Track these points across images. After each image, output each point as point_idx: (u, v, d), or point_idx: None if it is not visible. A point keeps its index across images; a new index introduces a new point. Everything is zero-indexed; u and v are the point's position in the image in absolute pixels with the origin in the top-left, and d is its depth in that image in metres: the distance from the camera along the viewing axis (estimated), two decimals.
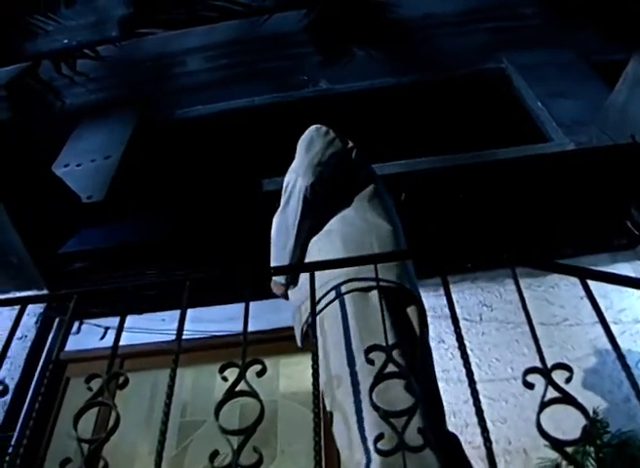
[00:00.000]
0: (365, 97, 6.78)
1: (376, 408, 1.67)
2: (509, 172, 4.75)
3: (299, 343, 2.62)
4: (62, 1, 8.25)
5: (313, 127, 3.03)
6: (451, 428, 3.53)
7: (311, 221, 2.69)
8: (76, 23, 8.37)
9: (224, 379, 1.99)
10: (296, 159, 2.85)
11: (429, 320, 4.09)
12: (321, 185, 2.67)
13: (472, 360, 1.98)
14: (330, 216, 2.70)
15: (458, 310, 2.05)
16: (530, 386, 1.56)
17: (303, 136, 2.98)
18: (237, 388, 1.86)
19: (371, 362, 1.77)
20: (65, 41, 8.27)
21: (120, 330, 2.26)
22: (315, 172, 2.69)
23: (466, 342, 1.91)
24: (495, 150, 5.17)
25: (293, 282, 2.73)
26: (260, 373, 1.90)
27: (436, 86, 6.61)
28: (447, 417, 3.56)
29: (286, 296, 2.84)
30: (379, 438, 1.63)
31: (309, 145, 2.88)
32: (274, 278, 2.83)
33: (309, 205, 2.64)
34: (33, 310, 4.80)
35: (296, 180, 2.70)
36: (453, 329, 1.89)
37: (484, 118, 5.97)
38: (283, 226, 2.73)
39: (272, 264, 2.80)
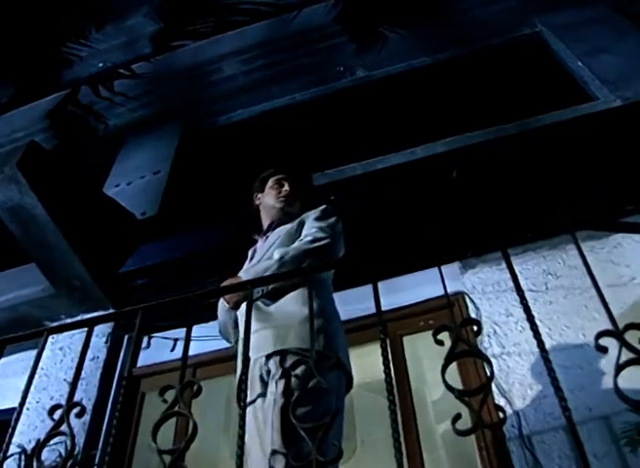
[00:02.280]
0: (403, 79, 6.72)
1: None
2: (558, 135, 4.65)
3: None
4: (92, 26, 8.36)
5: None
6: (527, 401, 3.50)
7: None
8: (108, 45, 8.48)
9: (296, 377, 1.98)
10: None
11: (495, 294, 4.07)
12: None
13: (542, 330, 1.92)
14: None
15: (522, 282, 2.01)
16: (603, 350, 1.51)
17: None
18: (310, 384, 1.84)
19: None
20: (100, 64, 8.37)
21: (188, 339, 2.26)
22: None
23: (534, 313, 1.85)
24: (540, 116, 5.06)
25: None
26: (332, 368, 1.89)
27: (473, 59, 6.50)
28: (524, 390, 3.53)
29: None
30: None
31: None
32: None
33: None
34: (102, 331, 4.86)
35: None
36: (519, 301, 1.85)
37: (526, 85, 5.85)
38: None
39: None
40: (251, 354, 2.58)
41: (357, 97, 6.79)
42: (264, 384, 2.72)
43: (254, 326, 2.49)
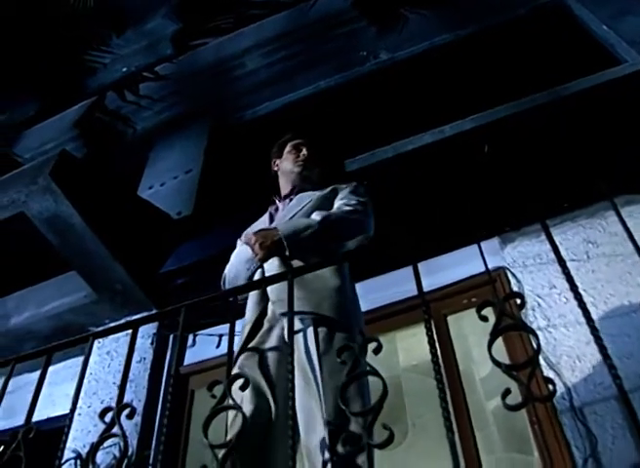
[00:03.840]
0: (427, 58, 6.66)
1: None
2: (588, 101, 4.58)
3: None
4: (113, 32, 8.42)
5: None
6: (577, 373, 3.46)
7: None
8: (130, 50, 8.53)
9: (344, 363, 1.98)
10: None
11: (537, 267, 4.04)
12: None
13: (587, 299, 1.90)
14: None
15: (563, 252, 1.98)
16: None
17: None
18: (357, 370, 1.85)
19: None
20: (124, 69, 8.43)
21: (232, 334, 2.28)
22: None
23: (577, 283, 1.83)
24: (568, 84, 4.99)
25: None
26: (377, 351, 1.88)
27: (495, 32, 6.42)
28: (572, 362, 3.50)
29: None
30: None
31: None
32: None
33: None
34: (147, 332, 4.91)
35: None
36: (561, 272, 1.83)
37: (551, 54, 5.76)
38: None
39: None
40: (279, 308, 2.65)
41: (382, 79, 6.75)
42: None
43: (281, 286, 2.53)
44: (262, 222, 3.40)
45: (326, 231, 2.96)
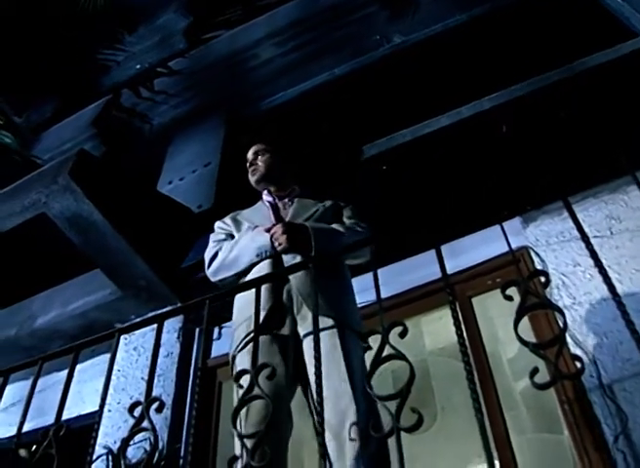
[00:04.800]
0: (440, 40, 6.62)
1: None
2: (604, 75, 4.54)
3: None
4: (124, 30, 8.44)
5: None
6: (604, 350, 3.43)
7: None
8: (143, 47, 8.54)
9: (370, 348, 1.98)
10: None
11: (560, 245, 4.00)
12: None
13: (611, 275, 1.87)
14: None
15: (586, 229, 1.96)
16: None
17: None
18: (383, 354, 1.84)
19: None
20: (138, 66, 8.45)
21: (257, 325, 2.28)
22: None
23: (602, 259, 1.82)
24: (583, 59, 4.94)
25: None
26: (403, 334, 1.88)
27: (509, 9, 6.35)
28: (599, 339, 3.47)
29: None
30: None
31: None
32: None
33: None
34: (173, 326, 4.93)
35: None
36: (584, 249, 1.82)
37: (565, 30, 5.70)
38: None
39: None
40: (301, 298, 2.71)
41: (397, 63, 6.72)
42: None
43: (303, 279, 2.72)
44: (264, 215, 3.49)
45: (348, 241, 3.05)
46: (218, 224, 3.63)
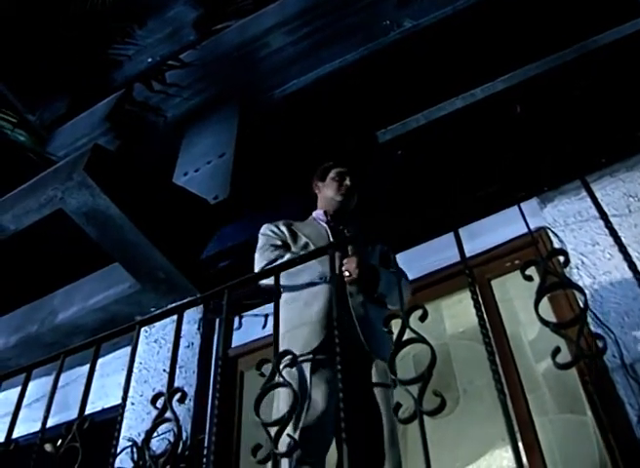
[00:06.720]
0: (450, 22, 6.56)
1: None
2: (619, 52, 4.51)
3: None
4: (134, 24, 8.43)
5: None
6: (625, 329, 3.41)
7: None
8: (154, 40, 8.53)
9: (390, 332, 1.98)
10: None
11: (578, 225, 3.98)
12: None
13: (632, 253, 1.86)
14: None
15: (604, 207, 1.95)
16: None
17: None
18: (404, 337, 1.84)
19: None
20: (149, 59, 8.44)
21: (277, 313, 2.28)
22: None
23: (621, 238, 1.80)
24: (597, 37, 4.89)
25: None
26: (423, 318, 1.88)
27: None
28: (620, 318, 3.45)
29: None
30: None
31: None
32: None
33: None
34: (193, 317, 4.95)
35: None
36: (603, 228, 1.81)
37: (578, 9, 5.65)
38: None
39: None
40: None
41: (408, 48, 6.68)
42: None
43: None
44: (320, 234, 3.51)
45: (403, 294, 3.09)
46: (270, 228, 3.59)
